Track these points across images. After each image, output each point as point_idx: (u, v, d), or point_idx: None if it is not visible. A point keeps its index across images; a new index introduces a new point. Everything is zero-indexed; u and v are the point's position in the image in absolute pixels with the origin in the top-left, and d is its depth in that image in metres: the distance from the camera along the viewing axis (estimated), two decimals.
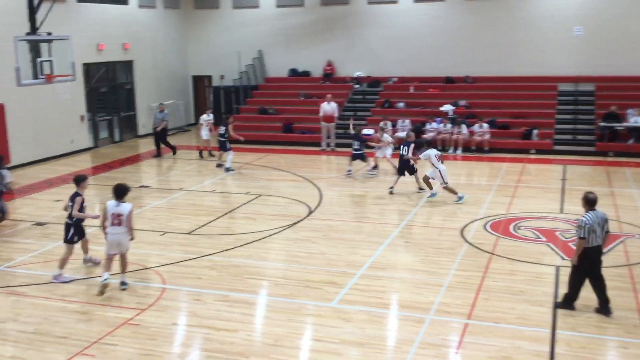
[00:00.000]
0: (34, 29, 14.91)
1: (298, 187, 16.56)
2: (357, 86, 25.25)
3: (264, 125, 24.26)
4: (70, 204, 10.27)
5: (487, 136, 20.92)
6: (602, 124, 20.49)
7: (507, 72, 23.97)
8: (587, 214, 8.61)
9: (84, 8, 22.31)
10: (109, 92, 24.46)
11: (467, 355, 7.76)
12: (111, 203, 9.83)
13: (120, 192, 9.87)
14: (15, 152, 19.60)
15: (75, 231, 10.40)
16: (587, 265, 8.66)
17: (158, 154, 21.21)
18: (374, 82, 25.33)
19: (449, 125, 21.43)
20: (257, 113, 25.07)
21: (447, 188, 14.69)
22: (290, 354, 7.85)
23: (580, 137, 21.17)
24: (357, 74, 25.55)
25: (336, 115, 22.09)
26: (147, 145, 23.83)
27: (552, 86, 23.22)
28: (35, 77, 14.40)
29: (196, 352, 8.05)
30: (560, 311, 8.79)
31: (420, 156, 15.05)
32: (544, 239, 11.92)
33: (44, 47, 14.77)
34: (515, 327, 8.40)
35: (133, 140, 25.10)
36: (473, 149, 20.96)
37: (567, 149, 20.69)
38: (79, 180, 10.40)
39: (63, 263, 10.29)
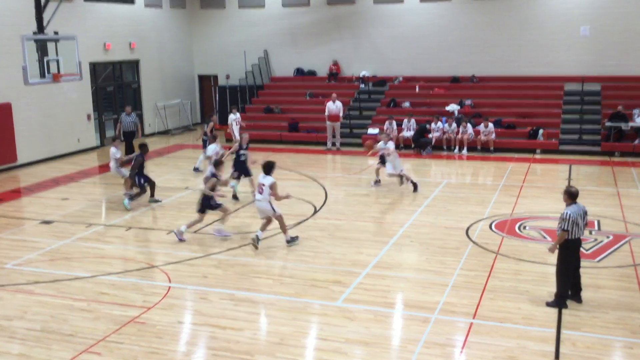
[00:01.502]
0: (41, 28, 14.94)
1: (303, 186, 16.58)
2: (362, 85, 25.26)
3: (270, 125, 24.30)
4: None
5: (492, 136, 20.89)
6: (608, 123, 20.43)
7: (513, 72, 23.93)
8: (570, 207, 8.82)
9: (90, 7, 22.40)
10: (115, 91, 24.55)
11: (472, 355, 7.76)
12: (260, 175, 11.64)
13: (267, 167, 11.61)
14: (22, 151, 19.71)
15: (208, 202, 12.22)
16: (573, 258, 8.90)
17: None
18: (380, 81, 25.34)
19: (454, 125, 21.41)
20: (262, 112, 25.11)
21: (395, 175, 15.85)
22: (296, 352, 7.88)
23: (586, 137, 21.11)
24: (362, 73, 25.55)
25: (341, 114, 22.11)
26: (153, 144, 23.88)
27: (558, 86, 23.17)
28: (42, 76, 14.43)
29: (202, 350, 8.08)
30: (565, 311, 8.79)
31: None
32: (550, 239, 11.90)
33: (50, 46, 14.82)
34: (521, 327, 8.40)
35: (139, 139, 25.12)
36: (478, 149, 20.93)
37: (573, 148, 20.65)
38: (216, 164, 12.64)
39: (225, 217, 12.33)
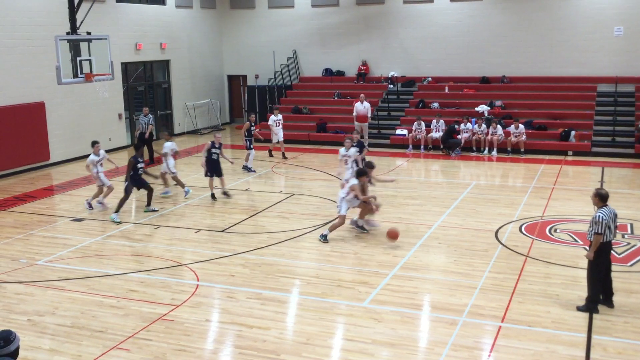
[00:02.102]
0: (74, 29, 15.19)
1: (331, 186, 16.57)
2: (391, 86, 25.16)
3: (298, 125, 24.34)
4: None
5: (523, 137, 20.62)
6: None
7: (545, 73, 23.61)
8: (602, 209, 8.66)
9: (122, 8, 22.70)
10: (146, 91, 24.85)
11: (500, 359, 7.66)
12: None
13: (358, 172, 12.32)
14: (55, 150, 20.07)
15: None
16: (604, 261, 8.72)
17: (151, 161, 19.96)
18: (409, 82, 25.21)
19: (484, 126, 21.20)
20: (291, 112, 25.16)
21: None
22: (322, 352, 7.87)
23: (619, 139, 20.73)
24: (391, 73, 25.46)
25: (369, 115, 22.04)
26: (182, 144, 24.12)
27: (591, 87, 22.78)
28: (75, 75, 14.66)
29: (229, 348, 8.13)
30: (596, 316, 8.63)
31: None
32: (581, 243, 11.70)
33: (83, 46, 15.05)
34: (550, 331, 8.28)
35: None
36: (509, 151, 20.69)
37: (606, 150, 20.29)
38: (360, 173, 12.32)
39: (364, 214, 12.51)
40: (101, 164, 14.83)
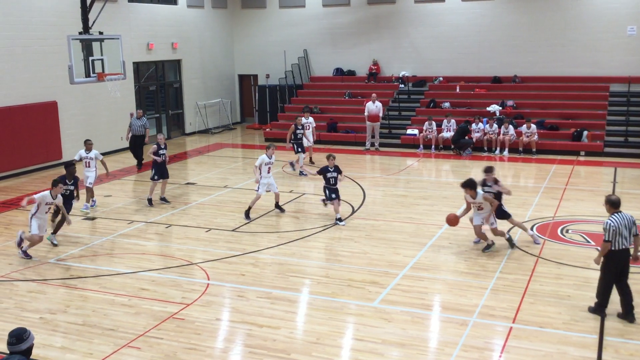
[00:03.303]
0: (86, 29, 15.27)
1: (341, 186, 16.53)
2: (402, 86, 25.12)
3: None
4: None
5: (535, 137, 20.52)
6: None
7: (557, 72, 23.47)
8: (612, 216, 8.47)
9: (134, 8, 22.81)
10: (157, 90, 24.96)
11: None
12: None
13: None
14: (67, 148, 20.18)
15: None
16: (615, 269, 8.50)
17: (139, 167, 19.31)
18: (420, 81, 25.15)
19: (495, 126, 21.10)
20: (302, 112, 25.12)
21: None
22: (332, 352, 7.87)
23: (632, 139, 20.58)
24: (402, 73, 25.41)
25: (381, 114, 22.02)
26: (193, 143, 24.24)
27: (604, 87, 22.62)
28: (87, 75, 14.74)
29: (239, 347, 8.14)
30: (608, 317, 8.57)
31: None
32: (593, 243, 11.63)
33: (95, 46, 15.12)
34: (562, 332, 8.23)
35: (180, 137, 25.54)
36: (520, 151, 20.58)
37: (619, 151, 20.16)
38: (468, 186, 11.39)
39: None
40: (88, 164, 14.58)
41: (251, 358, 7.77)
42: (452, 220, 11.48)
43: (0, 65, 18.00)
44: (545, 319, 8.63)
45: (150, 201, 14.78)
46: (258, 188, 13.67)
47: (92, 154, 14.67)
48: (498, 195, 11.54)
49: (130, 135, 19.12)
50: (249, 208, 13.66)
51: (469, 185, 11.21)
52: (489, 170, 11.92)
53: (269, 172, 13.77)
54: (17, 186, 17.41)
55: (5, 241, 12.49)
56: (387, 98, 24.45)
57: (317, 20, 26.76)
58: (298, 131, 17.99)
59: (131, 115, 19.56)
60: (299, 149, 17.94)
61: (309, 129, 19.00)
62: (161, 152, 14.82)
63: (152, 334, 8.39)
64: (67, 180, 12.43)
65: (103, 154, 21.38)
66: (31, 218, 11.41)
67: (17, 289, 10.04)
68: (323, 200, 13.82)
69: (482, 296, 9.39)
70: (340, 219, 13.19)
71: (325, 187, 13.43)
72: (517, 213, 13.71)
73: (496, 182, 11.74)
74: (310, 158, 19.39)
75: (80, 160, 14.72)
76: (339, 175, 13.50)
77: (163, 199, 15.06)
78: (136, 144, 19.18)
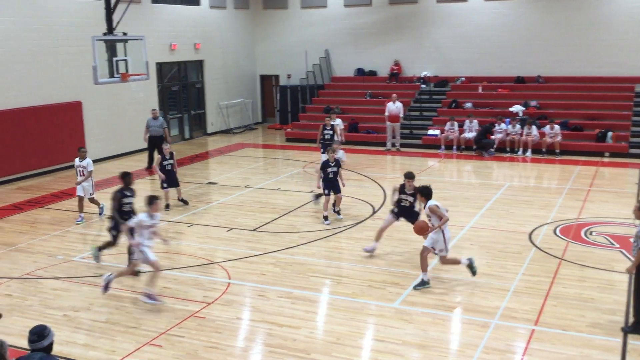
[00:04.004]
0: (110, 29, 15.43)
1: (362, 186, 16.56)
2: (424, 86, 25.00)
3: None
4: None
5: (558, 138, 20.29)
6: None
7: (581, 72, 23.19)
8: None
9: (157, 9, 23.00)
10: (180, 90, 25.15)
11: None
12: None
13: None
14: (91, 148, 20.38)
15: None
16: None
17: (149, 166, 18.97)
18: (442, 81, 25.02)
19: (518, 127, 20.92)
20: (322, 112, 25.16)
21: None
22: (352, 352, 7.87)
23: None
24: (424, 73, 25.30)
25: (402, 115, 21.94)
26: (215, 143, 24.38)
27: (629, 87, 22.30)
28: (111, 75, 14.88)
29: (259, 346, 8.18)
30: (632, 320, 8.43)
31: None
32: (617, 246, 11.48)
33: (119, 46, 15.26)
34: (585, 336, 8.14)
35: (202, 137, 25.71)
36: (544, 151, 20.38)
37: None
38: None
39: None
40: (82, 172, 13.75)
41: (271, 357, 7.80)
42: (421, 229, 9.97)
43: (26, 66, 18.28)
44: (568, 321, 8.53)
45: (167, 206, 14.65)
46: (323, 189, 13.41)
47: (85, 162, 13.78)
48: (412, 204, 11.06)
49: (147, 136, 19.09)
50: (324, 215, 13.42)
51: (421, 191, 10.01)
52: (409, 176, 11.12)
53: (332, 176, 13.48)
54: (42, 185, 17.66)
55: (31, 239, 12.67)
56: (409, 98, 24.36)
57: (339, 20, 26.75)
58: (326, 132, 17.62)
59: (154, 114, 19.42)
60: (323, 150, 17.71)
61: (336, 131, 18.57)
62: (165, 162, 14.64)
63: (173, 332, 8.46)
64: (126, 192, 10.92)
65: (126, 153, 21.84)
66: (134, 250, 9.55)
67: (41, 287, 10.19)
68: (317, 195, 14.08)
69: (503, 298, 9.32)
70: (339, 212, 13.57)
71: (323, 180, 13.45)
72: (540, 214, 13.62)
73: (415, 190, 10.66)
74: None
75: (75, 168, 13.91)
76: (339, 170, 13.56)
77: (182, 200, 15.10)
78: (155, 145, 19.05)
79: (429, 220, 9.89)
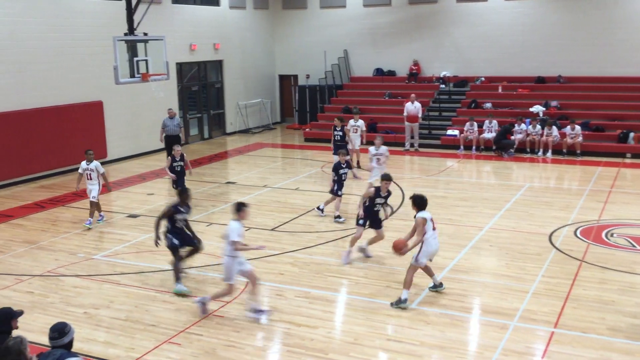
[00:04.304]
0: (131, 30, 15.56)
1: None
2: (443, 86, 24.90)
3: None
4: None
5: (579, 139, 20.09)
6: None
7: (603, 72, 22.94)
8: None
9: (178, 9, 23.16)
10: (199, 90, 25.30)
11: None
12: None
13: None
14: (112, 148, 20.64)
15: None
16: None
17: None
18: (461, 82, 24.90)
19: (538, 127, 20.74)
20: (341, 112, 25.15)
21: None
22: (370, 353, 7.87)
23: None
24: (443, 73, 25.20)
25: (420, 115, 21.87)
26: (234, 143, 24.48)
27: None
28: (132, 75, 15.00)
29: (277, 346, 8.21)
30: None
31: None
32: (639, 248, 11.34)
33: (140, 47, 15.40)
34: (605, 338, 8.06)
35: (221, 137, 25.84)
36: (564, 152, 20.18)
37: None
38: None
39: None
40: (89, 176, 13.45)
41: (289, 357, 7.82)
42: (397, 248, 9.38)
43: (49, 66, 18.51)
44: (589, 324, 8.45)
45: None
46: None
47: (93, 165, 13.49)
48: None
49: (164, 136, 18.91)
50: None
51: (414, 200, 9.39)
52: (386, 177, 10.81)
53: (379, 163, 14.33)
54: (64, 184, 17.87)
55: (52, 237, 12.83)
56: (428, 98, 24.27)
57: (358, 20, 26.73)
58: (336, 132, 17.32)
59: (170, 113, 19.45)
60: (335, 152, 17.45)
61: (357, 132, 18.58)
62: (175, 164, 14.64)
63: (192, 331, 8.52)
64: (180, 208, 10.10)
65: (146, 153, 22.01)
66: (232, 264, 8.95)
67: (62, 284, 10.32)
68: (321, 207, 14.00)
69: (523, 300, 9.25)
70: (339, 217, 13.50)
71: (335, 182, 13.47)
72: (560, 216, 13.50)
73: (389, 193, 10.81)
74: (358, 162, 18.78)
75: (82, 172, 13.60)
76: (349, 172, 13.90)
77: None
78: (172, 144, 18.86)
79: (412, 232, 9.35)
